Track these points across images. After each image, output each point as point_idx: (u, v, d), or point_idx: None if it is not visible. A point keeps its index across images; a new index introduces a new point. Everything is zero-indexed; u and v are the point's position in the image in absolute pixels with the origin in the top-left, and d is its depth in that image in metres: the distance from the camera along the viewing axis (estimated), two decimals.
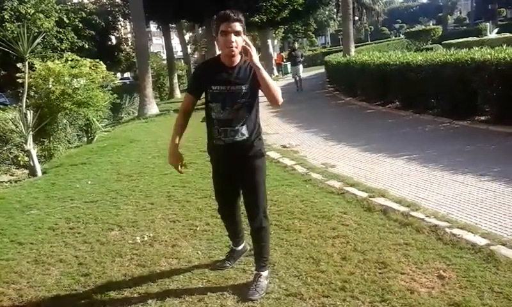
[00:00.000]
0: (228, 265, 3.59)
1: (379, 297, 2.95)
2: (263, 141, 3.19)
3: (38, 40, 9.22)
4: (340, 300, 2.96)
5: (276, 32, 38.22)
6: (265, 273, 3.26)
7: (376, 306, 2.85)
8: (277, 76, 30.55)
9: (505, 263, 3.17)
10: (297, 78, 18.90)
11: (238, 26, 2.84)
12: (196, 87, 3.14)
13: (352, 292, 3.03)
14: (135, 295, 3.35)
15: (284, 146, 8.20)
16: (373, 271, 3.30)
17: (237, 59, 2.98)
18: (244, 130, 2.99)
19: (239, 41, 2.87)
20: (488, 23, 34.89)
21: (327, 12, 53.55)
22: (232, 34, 2.83)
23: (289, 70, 23.21)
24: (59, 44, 20.23)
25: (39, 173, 8.20)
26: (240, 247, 3.63)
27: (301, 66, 19.28)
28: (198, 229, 4.53)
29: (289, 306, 2.96)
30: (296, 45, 21.81)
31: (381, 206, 4.58)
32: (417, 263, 3.36)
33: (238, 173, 3.16)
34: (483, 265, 3.21)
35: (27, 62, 8.48)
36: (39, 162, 8.59)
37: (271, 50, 32.23)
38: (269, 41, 32.11)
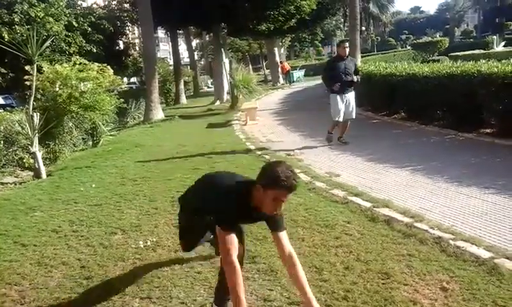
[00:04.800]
0: None
1: None
2: None
3: (47, 43, 9.28)
4: None
5: (283, 40, 38.34)
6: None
7: None
8: (283, 84, 30.59)
9: (509, 277, 3.16)
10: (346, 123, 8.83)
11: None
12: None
13: (354, 302, 3.02)
14: (137, 300, 3.36)
15: (288, 154, 8.20)
16: (376, 281, 3.29)
17: None
18: None
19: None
20: (494, 36, 34.84)
21: (334, 22, 53.58)
22: (284, 202, 2.65)
23: (330, 99, 8.83)
24: (67, 48, 20.36)
25: (44, 175, 8.23)
26: None
27: (352, 96, 8.73)
28: None
29: None
30: (347, 50, 8.81)
31: (385, 217, 4.57)
32: (420, 274, 3.35)
33: None
34: (487, 278, 3.20)
35: (35, 65, 8.54)
36: (44, 165, 8.63)
37: (277, 58, 32.31)
38: (276, 49, 32.20)
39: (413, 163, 6.73)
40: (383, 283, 3.26)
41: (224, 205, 2.68)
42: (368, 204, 4.99)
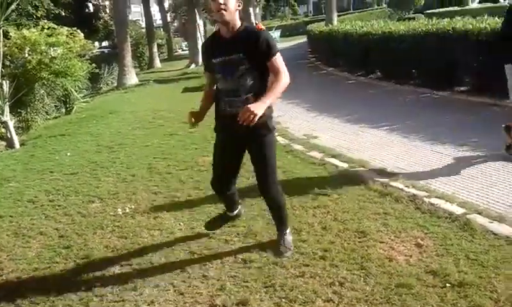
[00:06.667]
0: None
1: (359, 265, 3.01)
2: (272, 112, 3.08)
3: (13, 7, 8.90)
4: (320, 269, 3.01)
5: (258, 0, 37.62)
6: (288, 230, 3.34)
7: (355, 274, 2.91)
8: None
9: (481, 232, 3.26)
10: None
11: None
12: (206, 63, 3.16)
13: (332, 261, 3.09)
14: (117, 266, 3.36)
15: None
16: (353, 240, 3.36)
17: (235, 26, 2.91)
18: (251, 99, 2.87)
19: (231, 3, 2.81)
20: None
21: None
22: None
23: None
24: (34, 11, 19.53)
25: (17, 145, 8.06)
26: (234, 213, 3.55)
27: None
28: (180, 200, 4.53)
29: (271, 275, 3.00)
30: None
31: (361, 177, 4.63)
32: (396, 232, 3.43)
33: (245, 144, 3.12)
34: (459, 233, 3.29)
35: (1, 30, 8.23)
36: (16, 134, 8.44)
37: (252, 18, 31.72)
38: (251, 9, 31.47)
39: (389, 123, 6.80)
40: (360, 242, 3.33)
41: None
42: (345, 165, 5.05)
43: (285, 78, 2.86)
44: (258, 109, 2.63)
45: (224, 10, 2.79)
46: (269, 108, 2.90)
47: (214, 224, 3.58)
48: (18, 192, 5.37)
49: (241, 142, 3.10)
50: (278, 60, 2.90)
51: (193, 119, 3.05)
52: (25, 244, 3.94)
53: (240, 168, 3.30)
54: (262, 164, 3.12)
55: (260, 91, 2.87)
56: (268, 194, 3.20)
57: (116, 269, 3.33)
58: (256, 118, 2.63)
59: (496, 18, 7.94)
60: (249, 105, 2.64)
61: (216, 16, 2.86)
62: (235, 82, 2.92)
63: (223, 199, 3.50)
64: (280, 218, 3.33)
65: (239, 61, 2.88)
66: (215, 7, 2.80)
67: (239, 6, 2.88)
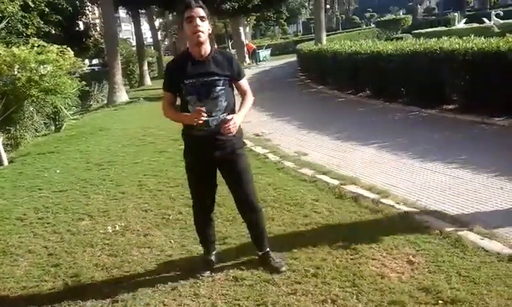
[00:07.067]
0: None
1: (351, 282, 3.00)
2: (242, 130, 3.20)
3: (2, 25, 8.91)
4: (312, 286, 2.99)
5: (248, 19, 38.04)
6: (268, 247, 3.35)
7: (348, 291, 2.90)
8: (249, 64, 30.42)
9: (472, 248, 3.27)
10: None
11: (201, 12, 2.89)
12: (170, 83, 3.08)
13: (324, 278, 3.07)
14: (106, 285, 3.32)
15: (257, 135, 8.20)
16: (345, 257, 3.35)
17: (207, 49, 2.99)
18: (226, 118, 2.98)
19: (205, 26, 2.92)
20: (456, 14, 35.45)
21: (299, 0, 53.55)
22: (197, 19, 2.87)
23: None
24: (24, 29, 19.49)
25: (5, 162, 7.98)
26: (214, 256, 3.43)
27: None
28: (170, 218, 4.50)
29: (262, 292, 2.98)
30: None
31: (352, 194, 4.65)
32: (387, 249, 3.43)
33: (218, 163, 3.13)
34: (451, 250, 3.30)
35: None
36: (5, 151, 8.36)
37: (243, 37, 32.03)
38: (241, 28, 31.89)
39: (379, 140, 6.85)
40: (352, 259, 3.32)
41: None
42: (336, 182, 5.06)
43: (251, 97, 3.22)
44: (238, 120, 2.97)
45: (202, 32, 2.89)
46: (240, 127, 3.12)
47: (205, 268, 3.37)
48: (7, 209, 5.30)
49: (214, 161, 3.11)
50: (246, 82, 3.23)
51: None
52: (13, 262, 3.88)
53: (216, 186, 3.26)
54: (243, 181, 3.16)
55: (232, 111, 3.05)
56: (255, 210, 3.24)
57: (105, 287, 3.28)
58: (236, 129, 2.93)
59: (482, 38, 8.11)
60: (228, 117, 2.93)
61: (191, 38, 2.93)
62: (210, 103, 2.95)
63: (204, 223, 3.38)
64: (262, 234, 3.33)
65: (214, 83, 2.98)
66: (192, 30, 2.90)
67: (209, 29, 2.98)
